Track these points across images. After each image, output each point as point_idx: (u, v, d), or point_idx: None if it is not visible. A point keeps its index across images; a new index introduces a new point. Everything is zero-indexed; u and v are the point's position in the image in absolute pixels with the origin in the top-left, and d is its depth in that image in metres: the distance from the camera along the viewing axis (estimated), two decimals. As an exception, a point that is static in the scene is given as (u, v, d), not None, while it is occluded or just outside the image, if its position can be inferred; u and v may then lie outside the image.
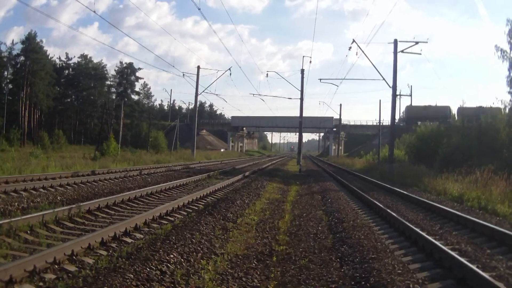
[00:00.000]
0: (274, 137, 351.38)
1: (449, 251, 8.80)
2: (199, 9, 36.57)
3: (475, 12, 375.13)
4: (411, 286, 7.23)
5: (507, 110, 37.85)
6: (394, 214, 14.02)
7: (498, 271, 8.23)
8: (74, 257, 8.28)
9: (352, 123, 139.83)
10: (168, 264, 7.92)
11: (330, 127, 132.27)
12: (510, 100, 38.24)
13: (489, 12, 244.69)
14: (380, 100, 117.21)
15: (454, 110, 75.30)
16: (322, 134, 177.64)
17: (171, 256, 8.40)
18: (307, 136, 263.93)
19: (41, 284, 6.82)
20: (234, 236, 11.32)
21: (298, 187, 26.86)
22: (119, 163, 39.90)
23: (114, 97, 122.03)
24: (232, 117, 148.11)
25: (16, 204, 13.84)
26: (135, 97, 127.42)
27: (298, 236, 11.98)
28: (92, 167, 31.48)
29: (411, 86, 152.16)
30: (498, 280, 7.10)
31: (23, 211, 12.96)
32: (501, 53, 36.96)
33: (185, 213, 14.61)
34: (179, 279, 7.28)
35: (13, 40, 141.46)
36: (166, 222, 12.79)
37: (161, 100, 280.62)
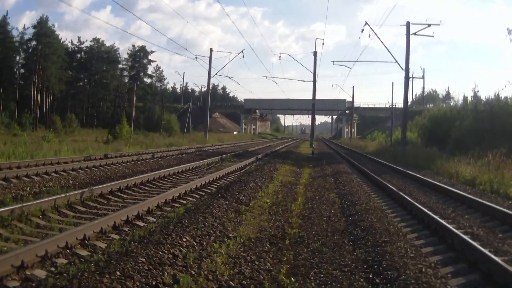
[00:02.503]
0: (287, 120, 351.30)
1: (462, 235, 8.76)
2: (211, -9, 36.36)
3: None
4: (423, 270, 7.20)
5: None
6: (406, 197, 13.98)
7: (510, 256, 8.19)
8: (86, 242, 8.31)
9: (365, 106, 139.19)
10: (181, 248, 7.92)
11: (343, 110, 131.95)
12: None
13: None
14: (392, 83, 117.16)
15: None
16: (335, 116, 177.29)
17: (184, 239, 8.40)
18: (319, 119, 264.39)
19: (52, 269, 6.82)
20: (247, 219, 11.32)
21: (311, 170, 26.83)
22: (132, 146, 39.96)
23: (126, 80, 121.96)
24: (245, 99, 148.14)
25: (28, 188, 13.90)
26: (148, 80, 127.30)
27: (311, 219, 11.98)
28: (104, 150, 31.58)
29: (424, 68, 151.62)
30: (510, 265, 7.05)
31: (35, 196, 12.98)
32: (513, 36, 36.69)
33: (198, 196, 14.68)
34: (192, 263, 7.27)
35: (24, 25, 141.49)
36: (178, 205, 12.82)
37: (174, 83, 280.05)
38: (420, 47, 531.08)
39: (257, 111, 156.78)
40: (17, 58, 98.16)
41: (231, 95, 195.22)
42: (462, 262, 7.86)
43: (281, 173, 22.91)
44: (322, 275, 7.30)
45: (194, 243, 8.41)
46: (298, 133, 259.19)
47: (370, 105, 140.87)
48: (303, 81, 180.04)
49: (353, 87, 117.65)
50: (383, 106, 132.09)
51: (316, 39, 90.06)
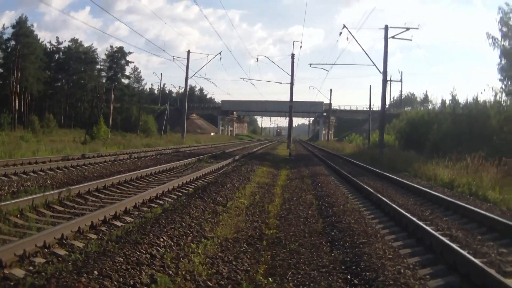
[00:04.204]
0: (264, 121, 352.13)
1: (440, 237, 8.80)
2: (190, -8, 36.38)
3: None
4: (402, 271, 7.22)
5: (497, 97, 38.02)
6: (384, 199, 14.04)
7: (489, 257, 8.23)
8: (64, 241, 8.24)
9: (342, 108, 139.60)
10: (158, 248, 7.89)
11: (320, 112, 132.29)
12: (501, 87, 38.30)
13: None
14: (370, 86, 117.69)
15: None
16: (312, 118, 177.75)
17: (161, 239, 8.38)
18: (297, 121, 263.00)
19: (31, 268, 6.77)
20: (224, 219, 11.33)
21: (288, 171, 26.86)
22: (109, 146, 39.90)
23: (104, 81, 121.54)
24: (222, 101, 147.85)
25: (6, 188, 13.78)
26: (125, 81, 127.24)
27: (288, 220, 11.98)
28: (82, 150, 31.49)
29: (402, 72, 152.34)
30: (489, 266, 7.11)
31: (13, 195, 12.88)
32: (492, 40, 37.22)
33: (175, 196, 14.63)
34: (169, 263, 7.26)
35: (3, 25, 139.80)
36: (156, 205, 12.77)
37: (151, 84, 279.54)
38: (399, 51, 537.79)
39: (234, 112, 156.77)
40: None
41: (208, 96, 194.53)
42: (441, 263, 7.89)
43: (258, 174, 22.92)
44: (300, 276, 7.31)
45: (172, 243, 8.38)
46: (274, 134, 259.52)
47: (348, 108, 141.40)
48: (281, 83, 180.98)
49: (331, 90, 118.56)
50: (361, 108, 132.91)
51: (294, 41, 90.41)
